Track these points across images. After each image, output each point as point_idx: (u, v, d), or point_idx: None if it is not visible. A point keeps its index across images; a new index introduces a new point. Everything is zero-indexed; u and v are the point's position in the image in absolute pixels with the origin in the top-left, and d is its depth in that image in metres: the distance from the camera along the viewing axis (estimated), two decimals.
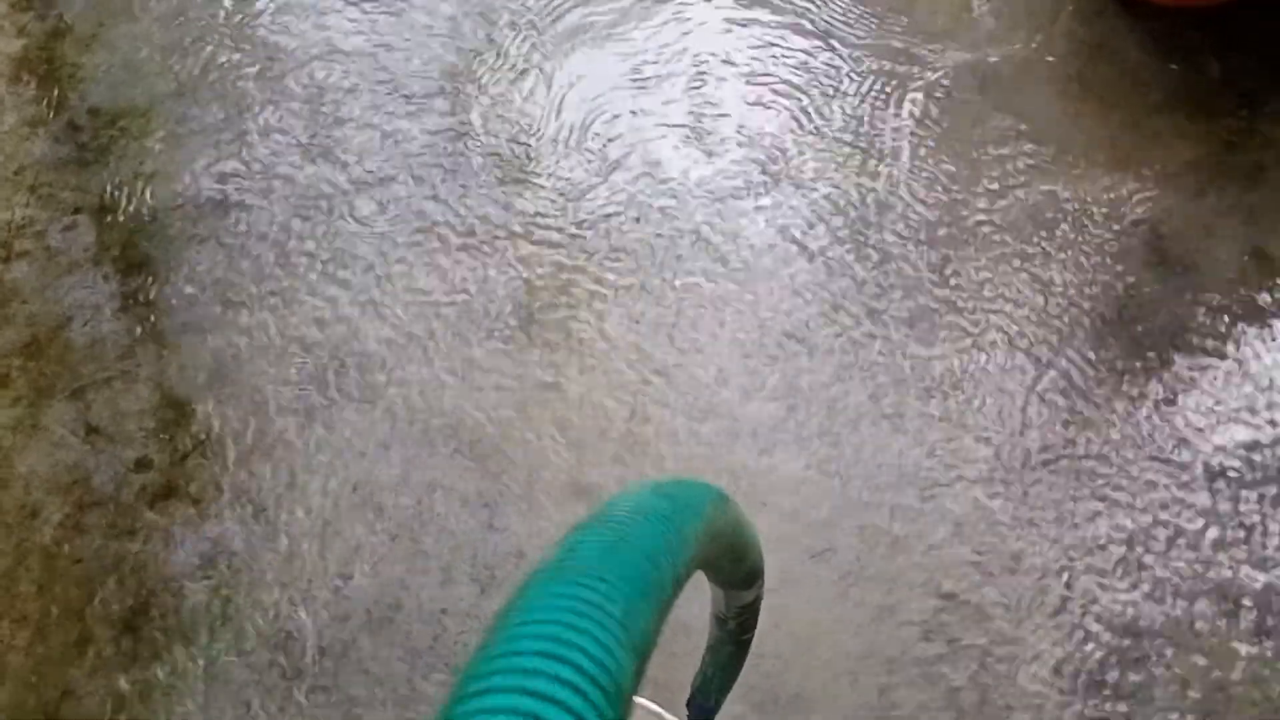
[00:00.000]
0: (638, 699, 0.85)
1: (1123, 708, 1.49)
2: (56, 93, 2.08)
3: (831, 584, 1.57)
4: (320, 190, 1.93)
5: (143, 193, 1.96)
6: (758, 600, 0.75)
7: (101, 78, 2.08)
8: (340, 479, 1.69)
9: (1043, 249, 1.80)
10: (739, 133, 1.93)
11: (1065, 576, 1.56)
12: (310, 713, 1.54)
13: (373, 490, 1.68)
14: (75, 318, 1.86)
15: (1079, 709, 1.49)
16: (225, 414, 1.75)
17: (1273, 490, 1.61)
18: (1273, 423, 1.66)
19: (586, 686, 0.35)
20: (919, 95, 1.94)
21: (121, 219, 1.94)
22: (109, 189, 1.97)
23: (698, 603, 0.73)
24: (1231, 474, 1.62)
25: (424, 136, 1.97)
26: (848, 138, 1.91)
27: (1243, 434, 1.65)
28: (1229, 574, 1.56)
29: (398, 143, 1.97)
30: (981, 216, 1.82)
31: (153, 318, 1.84)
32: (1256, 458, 1.63)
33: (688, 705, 0.89)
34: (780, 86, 1.97)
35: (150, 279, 1.88)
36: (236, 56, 2.08)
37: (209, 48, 2.09)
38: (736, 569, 0.67)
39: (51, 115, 2.06)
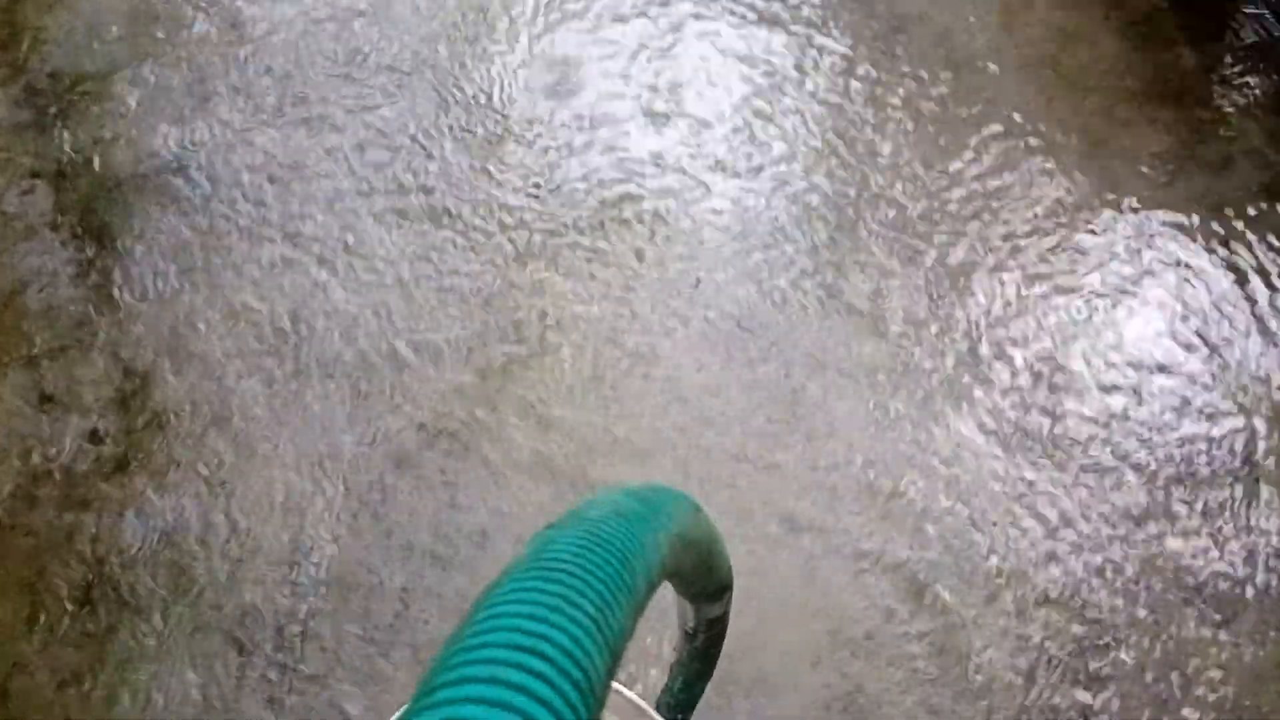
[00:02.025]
0: (617, 687, 0.85)
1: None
2: (16, 55, 2.03)
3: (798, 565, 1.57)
4: (284, 159, 1.90)
5: (102, 159, 1.91)
6: (726, 615, 0.75)
7: (63, 41, 2.04)
8: (300, 453, 1.67)
9: (1012, 232, 1.80)
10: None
11: None
12: (266, 689, 1.51)
13: (334, 466, 1.66)
14: (30, 284, 1.81)
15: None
16: (183, 385, 1.72)
17: None
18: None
19: (558, 679, 0.34)
20: (893, 78, 1.93)
21: (80, 185, 1.89)
22: (68, 154, 1.92)
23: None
24: None
25: (395, 108, 1.94)
26: (825, 123, 1.90)
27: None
28: None
29: (368, 111, 1.94)
30: (951, 197, 1.82)
31: (110, 286, 1.80)
32: None
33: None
34: (761, 66, 1.96)
35: (108, 246, 1.84)
36: (202, 22, 2.04)
37: (174, 13, 2.05)
38: (707, 580, 0.67)
39: (10, 78, 2.01)
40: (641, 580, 0.45)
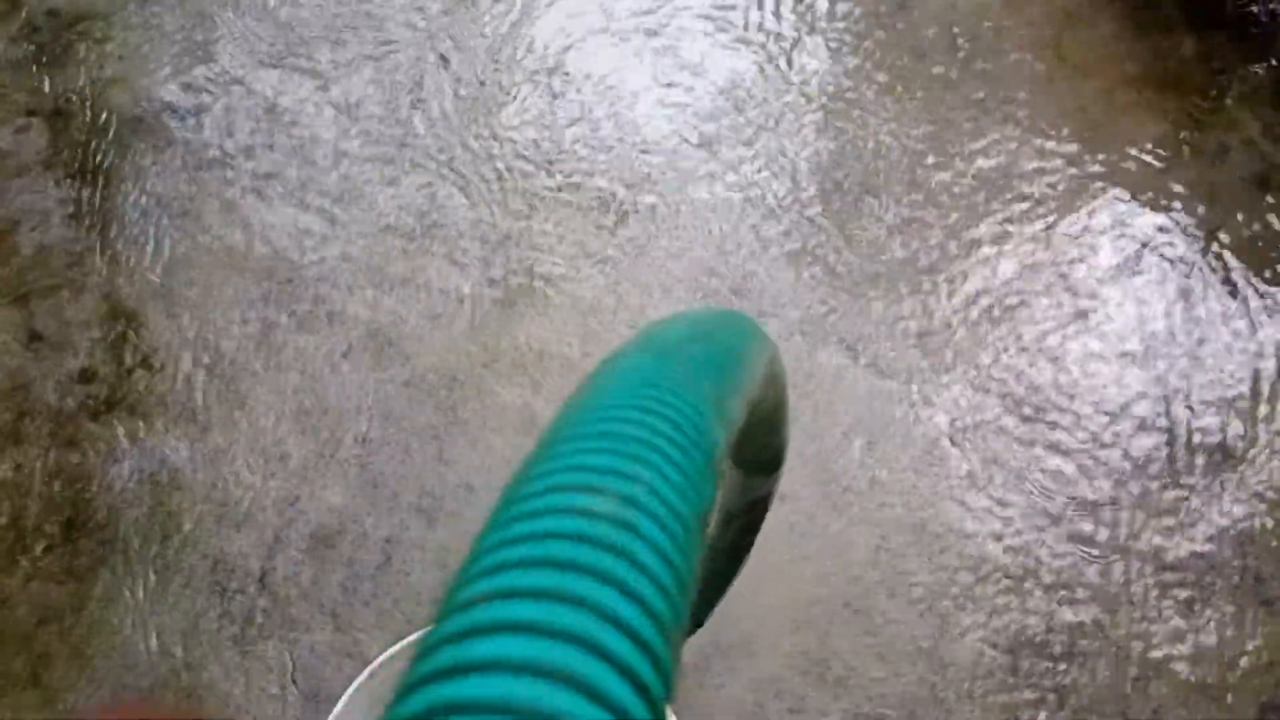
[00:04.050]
0: None
1: None
2: None
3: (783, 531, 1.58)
4: (284, 104, 1.89)
5: (99, 98, 1.90)
6: (770, 496, 0.71)
7: None
8: (290, 401, 1.67)
9: (1003, 215, 1.80)
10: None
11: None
12: (247, 632, 1.52)
13: (323, 415, 1.66)
14: (23, 222, 1.80)
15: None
16: (174, 328, 1.72)
17: None
18: None
19: (687, 445, 0.33)
20: (893, 56, 1.93)
21: (76, 124, 1.88)
22: (65, 93, 1.91)
23: None
24: None
25: (397, 58, 1.94)
26: (821, 99, 1.90)
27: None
28: None
29: (369, 60, 1.93)
30: (946, 178, 1.82)
31: (104, 226, 1.80)
32: None
33: None
34: (753, 37, 1.96)
35: (103, 187, 1.83)
36: None
37: None
38: (774, 435, 0.63)
39: (9, 15, 1.99)
40: (748, 380, 0.42)
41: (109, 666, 1.50)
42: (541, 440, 0.34)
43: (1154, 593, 1.55)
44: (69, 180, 1.84)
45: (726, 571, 0.77)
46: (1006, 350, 1.71)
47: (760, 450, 0.64)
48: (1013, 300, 1.75)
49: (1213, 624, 1.53)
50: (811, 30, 1.97)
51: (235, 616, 1.53)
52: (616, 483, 0.30)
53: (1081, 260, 1.79)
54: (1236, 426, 1.66)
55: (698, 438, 0.34)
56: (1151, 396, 1.68)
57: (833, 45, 1.96)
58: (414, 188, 1.83)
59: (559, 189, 1.83)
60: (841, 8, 2.00)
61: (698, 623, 0.83)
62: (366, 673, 1.14)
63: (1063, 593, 1.55)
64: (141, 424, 1.65)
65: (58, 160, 1.86)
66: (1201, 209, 1.82)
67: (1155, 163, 1.85)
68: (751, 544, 0.74)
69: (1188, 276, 1.77)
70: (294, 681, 1.49)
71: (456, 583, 0.29)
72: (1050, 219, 1.81)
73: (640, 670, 0.26)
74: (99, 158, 1.85)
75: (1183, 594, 1.55)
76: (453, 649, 0.26)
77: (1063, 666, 1.51)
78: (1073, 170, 1.84)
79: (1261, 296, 1.76)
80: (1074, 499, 1.61)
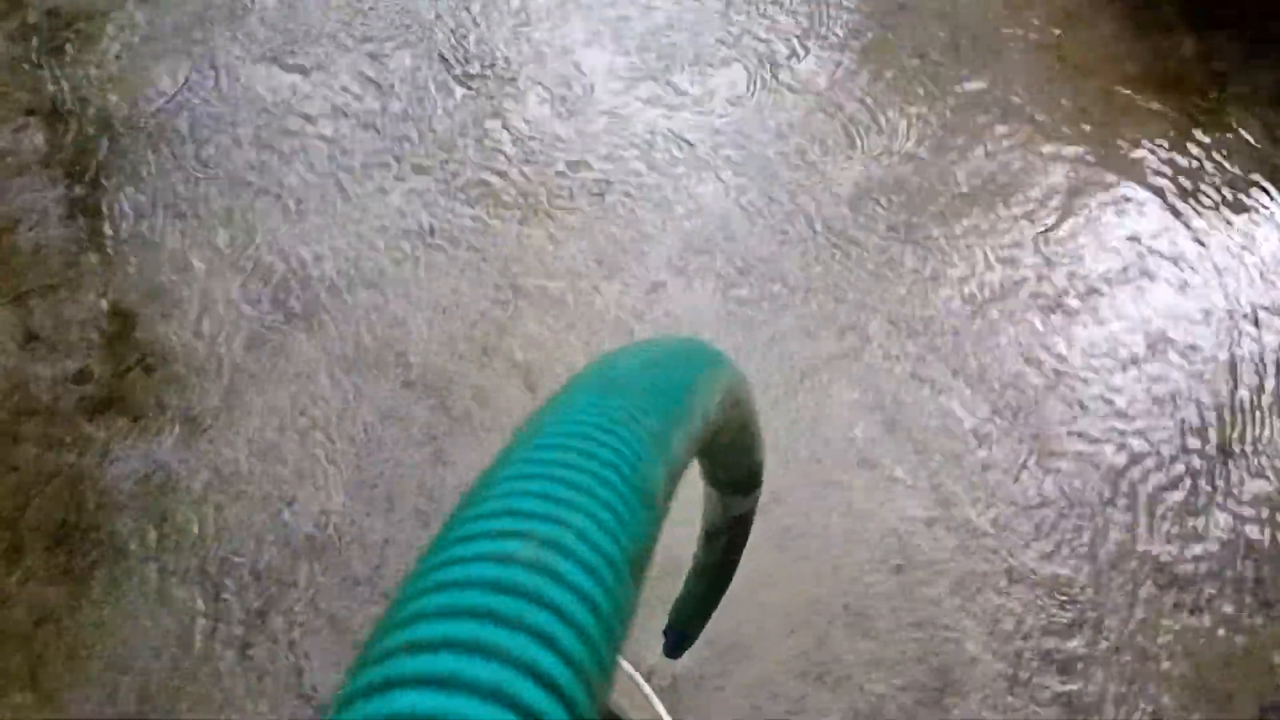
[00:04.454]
0: None
1: None
2: None
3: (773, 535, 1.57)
4: (283, 104, 1.89)
5: (98, 98, 1.90)
6: (751, 514, 0.72)
7: None
8: (286, 402, 1.66)
9: (1011, 214, 1.80)
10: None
11: None
12: (241, 635, 1.52)
13: (319, 416, 1.66)
14: (21, 221, 1.80)
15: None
16: (171, 329, 1.71)
17: None
18: None
19: (620, 485, 0.32)
20: (894, 56, 1.93)
21: (74, 124, 1.88)
22: (63, 92, 1.91)
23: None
24: None
25: (394, 58, 1.93)
26: (821, 102, 1.89)
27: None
28: None
29: (366, 59, 1.93)
30: (950, 178, 1.82)
31: (101, 226, 1.79)
32: None
33: (665, 634, 0.86)
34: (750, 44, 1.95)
35: (101, 186, 1.83)
36: None
37: None
38: (745, 457, 0.63)
39: (7, 14, 1.99)
40: (698, 414, 0.42)
41: (106, 667, 1.49)
42: (477, 481, 0.34)
43: (1154, 594, 1.54)
44: (67, 180, 1.84)
45: (714, 587, 0.77)
46: (1005, 353, 1.71)
47: (732, 472, 0.64)
48: (1012, 299, 1.75)
49: (1213, 626, 1.52)
50: (809, 31, 1.97)
51: (232, 618, 1.53)
52: (543, 527, 0.30)
53: (1081, 261, 1.78)
54: (1237, 428, 1.65)
55: (633, 477, 0.33)
56: (1154, 397, 1.68)
57: (832, 45, 1.96)
58: (414, 188, 1.83)
59: (562, 189, 1.83)
60: (842, 7, 2.00)
61: (689, 639, 0.84)
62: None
63: (1062, 596, 1.54)
64: (137, 425, 1.65)
65: (56, 160, 1.85)
66: (1200, 210, 1.82)
67: (1155, 163, 1.84)
68: (737, 560, 0.75)
69: (1188, 276, 1.76)
70: (291, 684, 1.49)
71: (375, 633, 0.29)
72: (1050, 220, 1.80)
73: (554, 718, 0.26)
74: (97, 157, 1.85)
75: (1182, 596, 1.54)
76: (364, 703, 0.26)
77: (1063, 668, 1.50)
78: (1073, 170, 1.83)
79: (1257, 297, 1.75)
80: (1074, 499, 1.60)
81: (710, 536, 0.73)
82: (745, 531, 0.74)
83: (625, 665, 0.96)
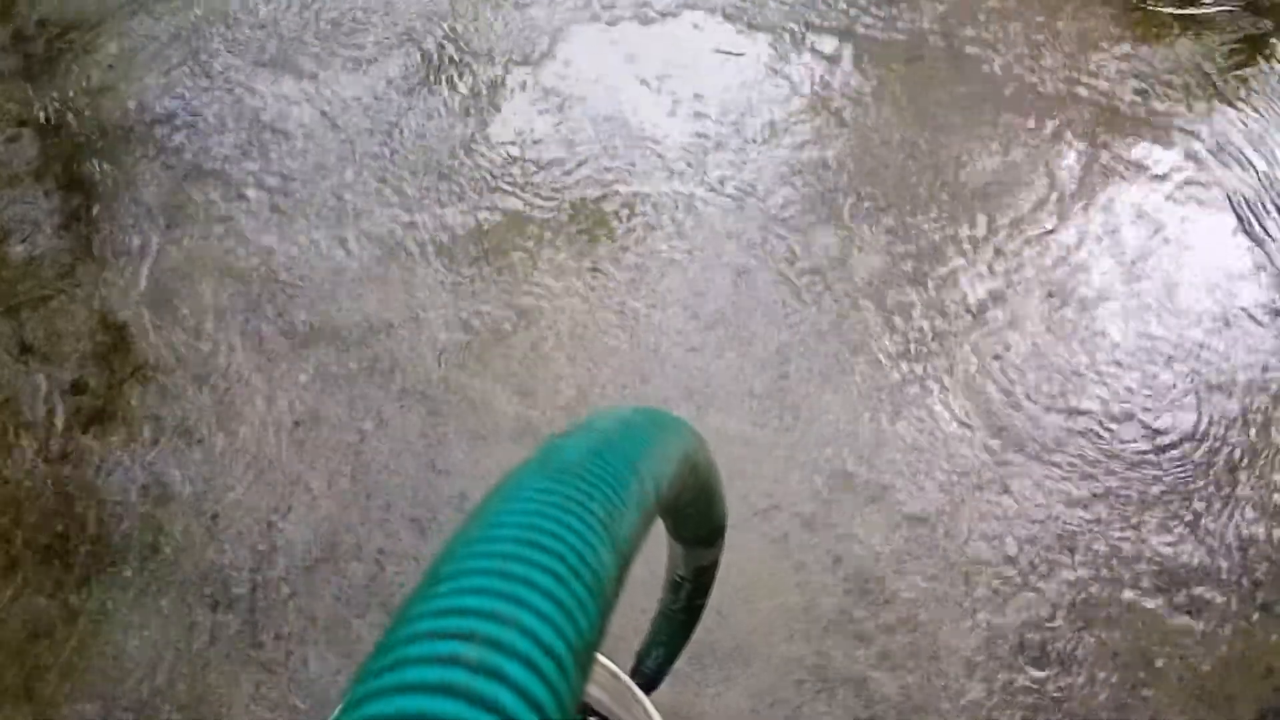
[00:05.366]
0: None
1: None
2: (5, 2, 2.01)
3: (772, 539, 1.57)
4: (275, 111, 1.88)
5: (90, 108, 1.90)
6: (715, 565, 0.74)
7: None
8: (281, 412, 1.66)
9: (1002, 215, 1.79)
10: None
11: None
12: (239, 646, 1.51)
13: (315, 425, 1.65)
14: (14, 233, 1.80)
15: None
16: (165, 340, 1.71)
17: None
18: None
19: (566, 575, 0.33)
20: (890, 50, 1.92)
21: (67, 134, 1.88)
22: (55, 103, 1.90)
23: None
24: None
25: (387, 65, 1.93)
26: (818, 93, 1.89)
27: None
28: None
29: (359, 66, 1.92)
30: (943, 179, 1.82)
31: (94, 237, 1.79)
32: None
33: (632, 675, 0.87)
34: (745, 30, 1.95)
35: (94, 197, 1.82)
36: None
37: None
38: (705, 517, 0.65)
39: None
40: (650, 490, 0.43)
41: (101, 680, 1.49)
42: (426, 571, 0.34)
43: (1153, 594, 1.54)
44: (60, 190, 1.83)
45: (681, 631, 0.81)
46: (1002, 352, 1.70)
47: (696, 529, 0.66)
48: (1009, 299, 1.74)
49: (1212, 629, 1.52)
50: (806, 31, 1.96)
51: (228, 629, 1.52)
52: (486, 626, 0.30)
53: (1080, 259, 1.78)
54: (1238, 428, 1.65)
55: (580, 566, 0.33)
56: (1155, 395, 1.67)
57: (830, 44, 1.96)
58: (410, 197, 1.82)
59: (554, 200, 1.82)
60: (838, 7, 1.99)
61: (659, 678, 0.88)
62: None
63: (1061, 597, 1.54)
64: (131, 436, 1.64)
65: (48, 170, 1.85)
66: (1202, 208, 1.81)
67: (1157, 162, 1.84)
68: (703, 606, 0.78)
69: (1186, 275, 1.76)
70: (288, 694, 1.48)
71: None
72: (1050, 222, 1.80)
73: None
74: (90, 167, 1.85)
75: (1182, 598, 1.54)
76: None
77: (1062, 671, 1.50)
78: (1074, 170, 1.83)
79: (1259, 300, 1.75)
80: (1073, 500, 1.60)
81: (677, 585, 0.76)
82: (710, 579, 0.76)
83: (623, 677, 0.96)
